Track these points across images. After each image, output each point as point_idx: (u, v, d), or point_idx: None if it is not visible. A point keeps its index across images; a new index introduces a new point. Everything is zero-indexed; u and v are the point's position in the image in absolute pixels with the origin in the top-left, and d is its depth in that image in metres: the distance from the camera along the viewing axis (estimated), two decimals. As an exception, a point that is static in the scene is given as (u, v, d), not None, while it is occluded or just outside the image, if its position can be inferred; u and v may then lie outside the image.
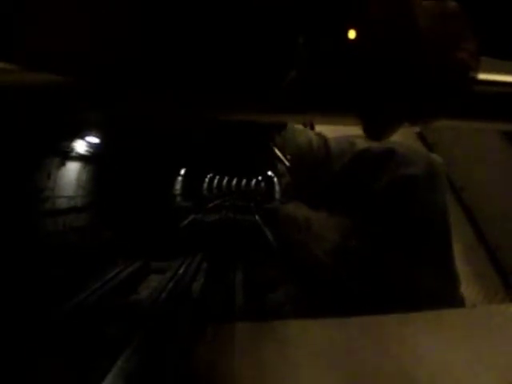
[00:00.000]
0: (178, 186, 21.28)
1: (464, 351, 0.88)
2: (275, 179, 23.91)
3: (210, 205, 26.13)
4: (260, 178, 39.83)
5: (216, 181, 41.21)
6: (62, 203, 8.29)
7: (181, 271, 7.54)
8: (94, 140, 8.29)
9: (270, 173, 25.42)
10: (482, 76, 0.51)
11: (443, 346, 0.90)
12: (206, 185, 35.08)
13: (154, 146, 12.38)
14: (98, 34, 0.41)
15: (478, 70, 0.52)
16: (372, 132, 0.56)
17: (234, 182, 49.59)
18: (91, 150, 8.74)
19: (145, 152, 12.04)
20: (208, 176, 35.45)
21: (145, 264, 7.92)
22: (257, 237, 12.60)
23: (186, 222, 16.65)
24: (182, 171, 21.52)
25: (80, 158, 8.44)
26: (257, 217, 20.01)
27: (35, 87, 0.49)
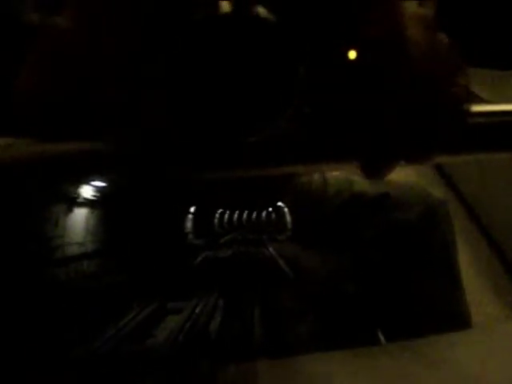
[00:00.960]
0: (188, 224, 21.30)
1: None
2: (285, 209, 23.74)
3: (222, 240, 26.03)
4: (270, 209, 39.71)
5: (227, 215, 41.36)
6: (72, 250, 8.47)
7: (197, 310, 7.52)
8: (100, 183, 8.48)
9: (280, 203, 25.30)
10: (475, 108, 0.57)
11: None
12: (216, 220, 35.19)
13: (162, 186, 12.55)
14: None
15: (470, 103, 0.55)
16: (369, 171, 0.59)
17: (245, 215, 49.59)
18: (98, 194, 9.07)
19: (153, 192, 12.22)
20: (218, 211, 35.65)
21: (161, 305, 7.98)
22: (271, 269, 12.47)
23: (199, 259, 16.58)
24: (192, 209, 21.60)
25: (87, 202, 8.74)
26: (270, 249, 19.83)
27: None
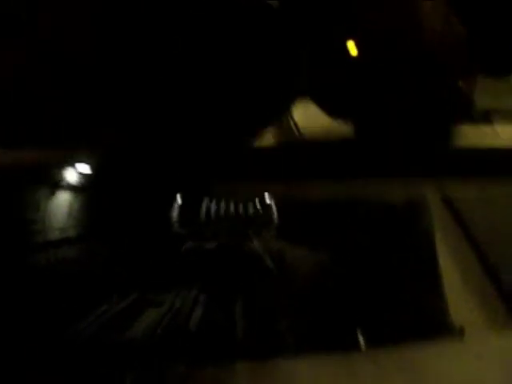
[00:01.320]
0: (174, 213, 20.96)
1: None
2: (272, 203, 23.38)
3: (207, 231, 25.63)
4: (257, 201, 39.15)
5: (213, 205, 40.73)
6: (53, 235, 8.14)
7: (177, 304, 7.27)
8: (85, 168, 8.22)
9: (266, 196, 24.93)
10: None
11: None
12: (203, 210, 34.47)
13: (149, 172, 12.23)
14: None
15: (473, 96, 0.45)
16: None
17: (232, 206, 48.96)
18: (82, 179, 8.70)
19: (139, 178, 11.92)
20: (205, 201, 34.96)
21: (141, 296, 7.71)
22: (256, 264, 12.25)
23: (183, 249, 16.35)
24: (178, 197, 21.26)
25: (71, 187, 8.38)
26: (255, 243, 19.52)
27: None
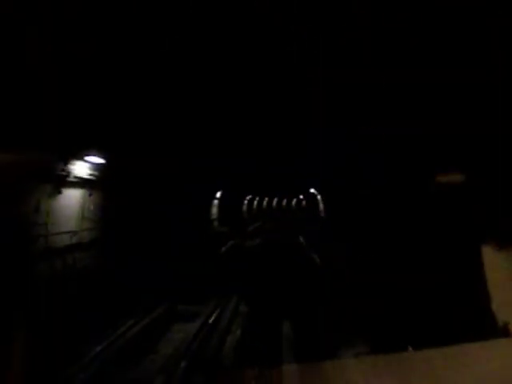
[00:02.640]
0: (214, 211, 20.26)
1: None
2: (319, 197, 22.41)
3: (250, 228, 24.99)
4: (302, 196, 38.34)
5: (256, 202, 39.99)
6: (62, 240, 6.25)
7: (212, 318, 6.15)
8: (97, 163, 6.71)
9: (312, 190, 24.02)
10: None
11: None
12: (245, 207, 33.86)
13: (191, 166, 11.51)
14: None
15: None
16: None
17: (275, 202, 48.25)
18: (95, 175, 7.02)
19: (179, 172, 11.16)
20: (247, 198, 34.30)
21: (169, 309, 6.62)
22: (301, 260, 11.44)
23: (223, 248, 15.57)
24: (218, 194, 20.55)
25: (81, 184, 6.60)
26: (301, 238, 18.72)
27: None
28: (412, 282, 5.83)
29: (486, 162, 4.73)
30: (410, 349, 4.40)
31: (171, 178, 10.49)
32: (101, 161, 6.12)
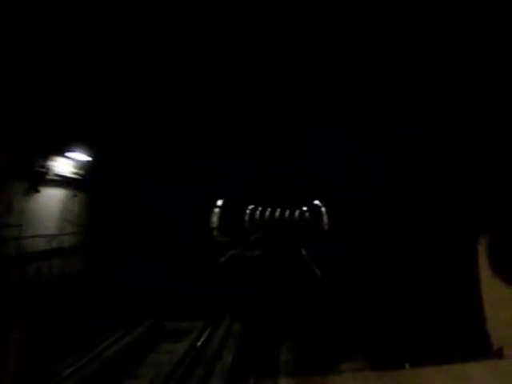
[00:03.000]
0: (214, 219, 19.69)
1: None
2: (323, 209, 21.92)
3: (252, 238, 24.48)
4: (305, 208, 37.79)
5: (258, 212, 39.42)
6: (38, 244, 5.47)
7: (203, 339, 5.50)
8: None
9: (317, 202, 23.54)
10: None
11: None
12: (247, 216, 33.31)
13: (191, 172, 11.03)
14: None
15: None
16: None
17: (278, 212, 47.70)
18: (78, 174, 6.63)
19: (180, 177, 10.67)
20: (249, 207, 33.77)
21: (155, 325, 5.94)
22: (302, 272, 10.98)
23: (223, 259, 15.00)
24: (220, 202, 20.03)
25: (62, 183, 6.22)
26: (303, 251, 18.32)
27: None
28: (410, 295, 5.77)
29: (486, 162, 4.52)
30: (407, 366, 4.42)
31: (168, 179, 9.97)
32: (87, 158, 5.50)
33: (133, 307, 6.53)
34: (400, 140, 5.84)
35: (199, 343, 5.49)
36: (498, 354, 3.92)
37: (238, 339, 5.62)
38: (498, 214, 4.29)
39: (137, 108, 5.42)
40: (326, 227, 21.01)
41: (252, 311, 6.70)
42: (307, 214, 39.43)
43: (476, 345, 4.19)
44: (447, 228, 5.20)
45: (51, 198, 5.41)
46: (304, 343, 5.40)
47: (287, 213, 48.79)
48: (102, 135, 5.55)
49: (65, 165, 5.37)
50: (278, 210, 47.08)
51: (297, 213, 47.19)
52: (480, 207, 4.46)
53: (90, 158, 5.46)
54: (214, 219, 19.22)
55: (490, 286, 4.21)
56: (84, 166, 5.74)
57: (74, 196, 6.08)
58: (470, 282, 4.33)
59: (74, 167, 5.56)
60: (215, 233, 19.59)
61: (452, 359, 3.68)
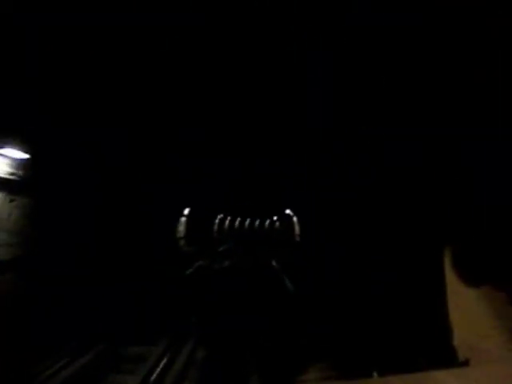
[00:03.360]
0: (181, 228, 18.88)
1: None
2: (295, 218, 21.67)
3: (220, 249, 23.86)
4: (275, 217, 37.57)
5: (227, 222, 38.77)
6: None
7: (159, 369, 4.69)
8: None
9: (288, 211, 23.31)
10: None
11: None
12: (215, 226, 32.54)
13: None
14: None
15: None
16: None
17: (247, 222, 47.26)
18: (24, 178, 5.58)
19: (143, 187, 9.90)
20: (218, 217, 33.09)
21: (106, 351, 5.11)
22: (272, 285, 10.57)
23: (189, 271, 14.27)
24: (186, 211, 19.33)
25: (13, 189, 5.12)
26: (273, 262, 17.97)
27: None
28: (378, 303, 5.90)
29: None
30: (375, 374, 4.55)
31: (129, 181, 9.19)
32: (24, 156, 4.69)
33: (84, 330, 5.76)
34: (388, 140, 5.53)
35: (154, 376, 4.74)
36: (465, 362, 3.89)
37: (201, 369, 4.97)
38: (463, 224, 4.18)
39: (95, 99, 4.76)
40: (297, 238, 20.71)
41: (217, 332, 6.08)
42: (277, 224, 39.19)
43: (442, 352, 4.20)
44: (414, 238, 5.15)
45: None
46: (271, 357, 4.99)
47: (257, 222, 48.49)
48: (44, 129, 4.75)
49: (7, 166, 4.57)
50: (248, 219, 46.70)
51: (267, 222, 46.98)
52: (446, 219, 4.38)
53: (27, 156, 4.65)
54: (181, 228, 18.42)
55: (456, 292, 4.18)
56: (22, 165, 4.89)
57: (12, 201, 5.29)
58: (436, 289, 4.31)
59: (10, 166, 4.68)
60: (181, 243, 18.78)
61: (419, 367, 3.68)
